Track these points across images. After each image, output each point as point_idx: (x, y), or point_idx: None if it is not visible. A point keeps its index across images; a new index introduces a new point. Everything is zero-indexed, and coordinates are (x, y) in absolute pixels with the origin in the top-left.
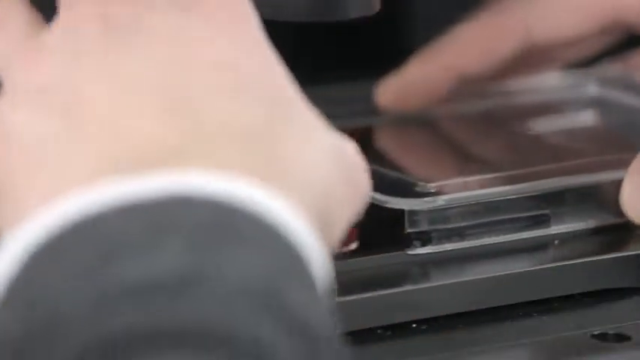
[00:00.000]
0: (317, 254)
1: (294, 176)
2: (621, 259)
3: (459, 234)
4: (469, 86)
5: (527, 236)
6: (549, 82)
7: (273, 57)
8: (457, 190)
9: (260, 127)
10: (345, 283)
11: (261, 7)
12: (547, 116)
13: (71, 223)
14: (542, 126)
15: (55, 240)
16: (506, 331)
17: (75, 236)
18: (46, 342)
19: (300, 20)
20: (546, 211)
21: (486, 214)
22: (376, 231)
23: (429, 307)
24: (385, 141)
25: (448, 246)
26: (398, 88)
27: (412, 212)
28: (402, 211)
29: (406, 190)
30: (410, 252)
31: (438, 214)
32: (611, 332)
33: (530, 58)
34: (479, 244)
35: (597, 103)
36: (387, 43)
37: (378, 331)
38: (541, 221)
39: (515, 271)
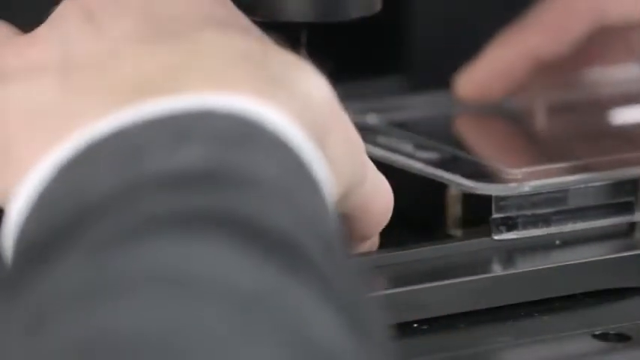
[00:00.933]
0: (320, 164)
1: (295, 97)
2: (623, 259)
3: (545, 220)
4: (549, 77)
5: (612, 223)
6: (629, 73)
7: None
8: (542, 177)
9: (257, 52)
10: (432, 270)
11: (262, 7)
12: (628, 106)
13: (95, 139)
14: (624, 117)
15: (81, 154)
16: (508, 330)
17: (100, 147)
18: (77, 228)
19: (301, 20)
20: (631, 199)
21: (572, 201)
22: (462, 216)
23: (430, 307)
24: (468, 130)
25: (534, 232)
26: (478, 79)
27: (499, 198)
28: (488, 197)
29: (494, 176)
30: (496, 237)
31: (525, 200)
32: (612, 332)
33: (605, 43)
34: (564, 231)
35: None
36: (387, 43)
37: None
38: (626, 208)
39: (517, 271)
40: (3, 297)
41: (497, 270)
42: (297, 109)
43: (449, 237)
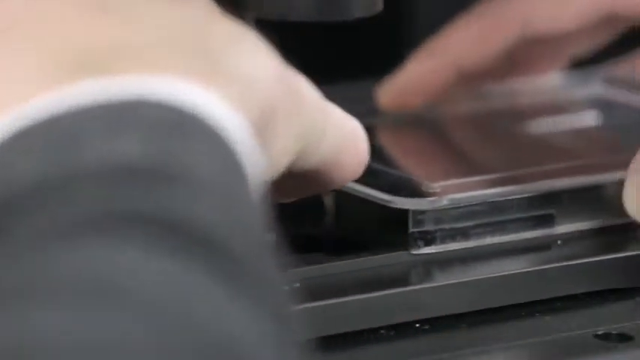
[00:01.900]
0: (255, 157)
1: (235, 79)
2: (625, 258)
3: (464, 234)
4: (472, 87)
5: (532, 236)
6: (553, 82)
7: None
8: (461, 190)
9: (198, 25)
10: (346, 284)
11: (263, 7)
12: (550, 117)
13: (24, 125)
14: (546, 126)
15: (9, 138)
16: (509, 331)
17: (30, 134)
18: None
19: (302, 20)
20: (551, 211)
21: (490, 215)
22: (379, 231)
23: (431, 307)
24: (387, 141)
25: (452, 246)
26: (399, 88)
27: (416, 212)
28: (405, 211)
29: (411, 189)
30: (414, 252)
31: (443, 214)
32: (614, 332)
33: (530, 53)
34: (483, 244)
35: (601, 104)
36: (387, 43)
37: (381, 331)
38: (545, 221)
39: (518, 271)
40: None
41: (416, 283)
42: (237, 92)
43: (366, 251)
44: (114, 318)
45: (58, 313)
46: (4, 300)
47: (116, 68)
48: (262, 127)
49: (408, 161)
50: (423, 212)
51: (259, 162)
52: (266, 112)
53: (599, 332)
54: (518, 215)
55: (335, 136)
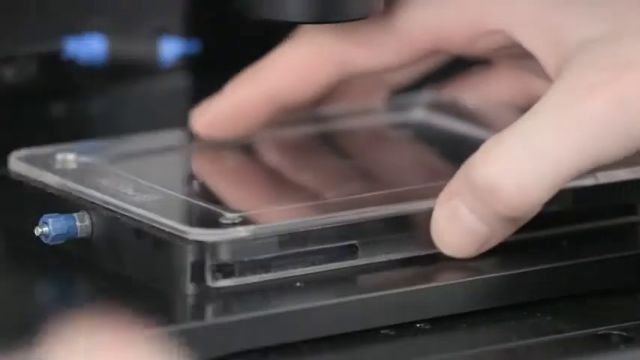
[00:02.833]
0: None
1: None
2: (626, 258)
3: (264, 266)
4: (291, 114)
5: (335, 267)
6: (373, 106)
7: None
8: (265, 220)
9: None
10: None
11: (262, 7)
12: (368, 142)
13: None
14: (362, 152)
15: None
16: (511, 331)
17: None
18: None
19: (301, 21)
20: (354, 242)
21: (292, 246)
22: (176, 262)
23: (432, 307)
24: (200, 166)
25: (252, 278)
26: (214, 115)
27: (214, 244)
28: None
29: (210, 220)
30: (212, 285)
31: (241, 246)
32: (615, 332)
33: (350, 85)
34: (284, 276)
35: (421, 128)
36: None
37: (382, 331)
38: (349, 252)
39: (519, 271)
40: None
41: (214, 316)
42: None
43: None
44: None
45: None
46: None
47: None
48: None
49: (217, 189)
50: (220, 244)
51: None
52: None
53: (601, 332)
54: (322, 246)
55: None
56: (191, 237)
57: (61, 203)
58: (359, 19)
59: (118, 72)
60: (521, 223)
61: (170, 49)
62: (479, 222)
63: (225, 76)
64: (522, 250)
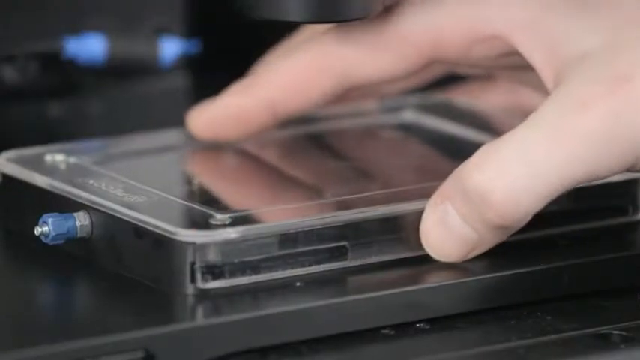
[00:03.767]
0: None
1: None
2: (627, 258)
3: (254, 267)
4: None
5: (325, 269)
6: (365, 107)
7: None
8: (254, 221)
9: None
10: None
11: (262, 7)
12: (360, 142)
13: None
14: (354, 153)
15: None
16: (511, 330)
17: None
18: None
19: (301, 21)
20: (344, 243)
21: (282, 247)
22: (166, 263)
23: (433, 307)
24: (193, 167)
25: (241, 280)
26: (211, 118)
27: (203, 245)
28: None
29: (199, 221)
30: (201, 286)
31: (231, 247)
32: (615, 332)
33: (349, 92)
34: (274, 278)
35: (412, 130)
36: None
37: (382, 330)
38: (339, 254)
39: (520, 270)
40: None
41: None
42: None
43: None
44: None
45: None
46: None
47: None
48: None
49: (209, 190)
50: (209, 245)
51: None
52: None
53: (601, 332)
54: (311, 247)
55: None
56: (180, 238)
57: (54, 203)
58: (358, 19)
59: (117, 72)
60: (510, 232)
61: (170, 49)
62: (467, 228)
63: (225, 76)
64: (521, 250)
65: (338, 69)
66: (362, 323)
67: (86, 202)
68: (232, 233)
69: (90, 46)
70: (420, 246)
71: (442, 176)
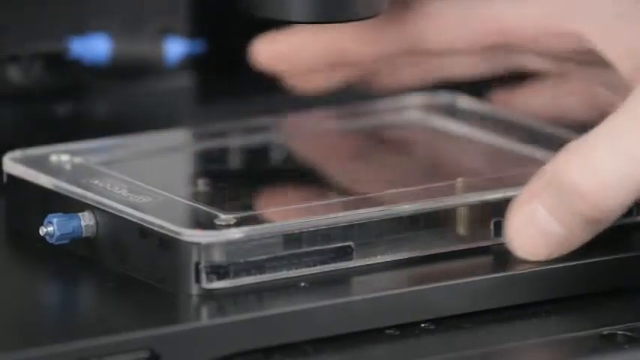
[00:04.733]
0: None
1: None
2: (631, 258)
3: (259, 267)
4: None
5: (330, 269)
6: (372, 107)
7: None
8: (259, 222)
9: None
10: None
11: (264, 7)
12: (364, 143)
13: None
14: (359, 152)
15: None
16: (515, 330)
17: None
18: None
19: (305, 21)
20: (349, 243)
21: (286, 247)
22: (170, 263)
23: (438, 307)
24: (198, 167)
25: (246, 280)
26: (276, 48)
27: (208, 245)
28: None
29: (205, 222)
30: (206, 286)
31: (236, 247)
32: (620, 333)
33: (417, 64)
34: (279, 278)
35: (417, 130)
36: None
37: (387, 331)
38: (344, 254)
39: (524, 270)
40: None
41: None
42: None
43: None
44: None
45: None
46: None
47: None
48: None
49: (215, 190)
50: (214, 245)
51: None
52: None
53: (606, 332)
54: (316, 248)
55: None
56: (185, 238)
57: (59, 203)
58: (365, 18)
59: (122, 72)
60: (601, 228)
61: (175, 48)
62: (556, 224)
63: (230, 76)
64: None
65: (408, 33)
66: (367, 323)
67: (91, 202)
68: (237, 233)
69: (95, 47)
70: (423, 246)
71: (448, 176)
